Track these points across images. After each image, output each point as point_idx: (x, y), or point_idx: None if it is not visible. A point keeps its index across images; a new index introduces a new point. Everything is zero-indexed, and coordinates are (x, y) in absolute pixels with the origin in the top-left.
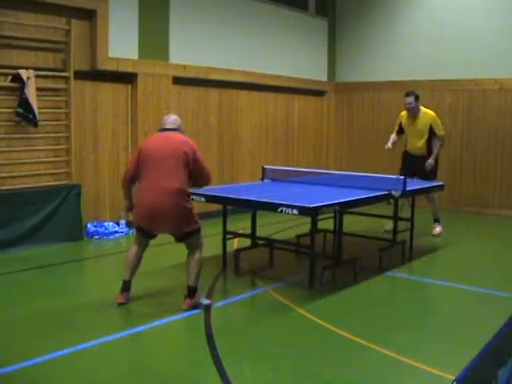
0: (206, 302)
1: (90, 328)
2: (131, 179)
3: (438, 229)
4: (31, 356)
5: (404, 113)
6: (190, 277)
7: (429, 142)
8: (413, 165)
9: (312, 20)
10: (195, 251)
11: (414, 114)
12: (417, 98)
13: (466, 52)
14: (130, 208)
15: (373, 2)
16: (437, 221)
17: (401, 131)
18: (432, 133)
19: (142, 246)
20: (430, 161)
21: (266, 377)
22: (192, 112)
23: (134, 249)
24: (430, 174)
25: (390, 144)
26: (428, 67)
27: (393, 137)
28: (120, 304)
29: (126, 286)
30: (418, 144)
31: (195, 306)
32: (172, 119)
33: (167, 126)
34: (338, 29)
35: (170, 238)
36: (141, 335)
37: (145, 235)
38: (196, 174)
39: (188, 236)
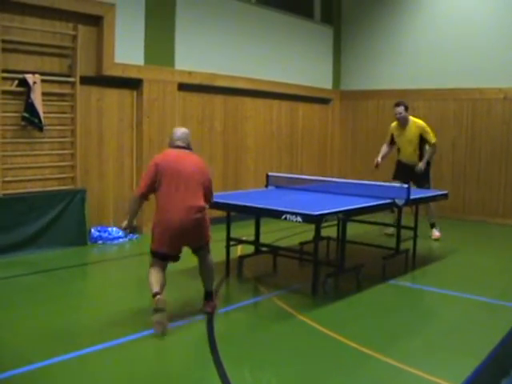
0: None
1: (93, 333)
2: (144, 196)
3: (437, 233)
4: (35, 360)
5: (394, 124)
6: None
7: (420, 151)
8: (405, 172)
9: (317, 28)
10: (207, 258)
11: (403, 123)
12: (406, 108)
13: (471, 61)
14: (130, 227)
15: (378, 10)
16: (433, 226)
17: (392, 142)
18: (423, 142)
19: (163, 269)
20: (421, 165)
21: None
22: (197, 118)
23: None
24: (423, 181)
25: (379, 158)
26: (432, 76)
27: (384, 150)
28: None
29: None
30: (409, 153)
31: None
32: (183, 134)
33: (180, 144)
34: (343, 37)
35: None
36: (144, 341)
37: (165, 259)
38: (207, 193)
39: (204, 246)
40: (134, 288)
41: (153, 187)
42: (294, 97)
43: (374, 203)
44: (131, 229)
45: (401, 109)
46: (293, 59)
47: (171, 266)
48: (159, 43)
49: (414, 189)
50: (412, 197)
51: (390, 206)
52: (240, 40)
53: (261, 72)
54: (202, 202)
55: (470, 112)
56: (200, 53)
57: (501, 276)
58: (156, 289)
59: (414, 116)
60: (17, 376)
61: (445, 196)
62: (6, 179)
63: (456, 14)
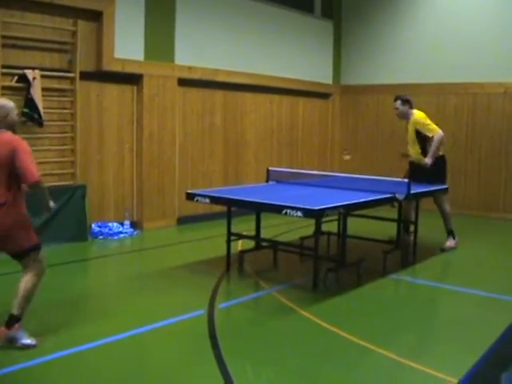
0: (26, 341)
1: (93, 328)
2: None
3: (448, 243)
4: (34, 356)
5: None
6: (14, 303)
7: (422, 147)
8: (414, 173)
9: (318, 22)
10: (29, 273)
11: (404, 119)
12: (404, 101)
13: (472, 55)
14: None
15: (378, 4)
16: (450, 233)
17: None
18: (423, 137)
19: None
20: (426, 160)
21: (269, 379)
22: (197, 114)
23: None
24: (435, 180)
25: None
26: (433, 70)
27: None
28: None
29: None
30: (413, 151)
31: (10, 339)
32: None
33: None
34: (343, 31)
35: (174, 239)
36: (144, 336)
37: None
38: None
39: (23, 255)
40: (133, 283)
41: None
42: (295, 91)
43: (375, 197)
44: None
45: (397, 103)
46: (293, 54)
47: (174, 260)
48: (159, 38)
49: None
50: (412, 191)
51: (390, 201)
52: (240, 35)
53: (261, 67)
54: (2, 198)
55: (471, 106)
56: (200, 48)
57: (501, 270)
58: None
59: (419, 109)
60: (16, 371)
61: (445, 190)
62: None
63: (457, 8)
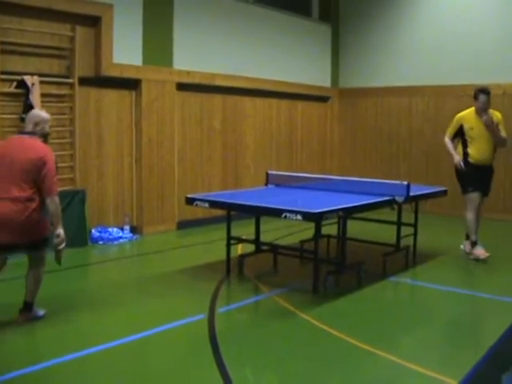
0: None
1: (94, 333)
2: None
3: (481, 250)
4: (35, 361)
5: (467, 113)
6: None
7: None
8: (480, 178)
9: (315, 26)
10: (39, 266)
11: (483, 113)
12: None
13: (470, 57)
14: None
15: (376, 7)
16: (474, 242)
17: (456, 136)
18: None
19: None
20: (457, 158)
21: (269, 382)
22: (196, 118)
23: None
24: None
25: (458, 156)
26: (432, 72)
27: (451, 145)
28: None
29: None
30: (488, 150)
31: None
32: (32, 117)
33: (26, 128)
34: (341, 34)
35: (173, 243)
36: (144, 340)
37: None
38: (40, 185)
39: (35, 246)
40: (133, 288)
41: None
42: (293, 95)
43: (374, 200)
44: None
45: (487, 97)
46: (291, 58)
47: (170, 266)
48: (157, 43)
49: (413, 185)
50: (411, 194)
51: (389, 203)
52: (238, 39)
53: (259, 71)
54: (23, 193)
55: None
56: (198, 52)
57: (501, 272)
58: None
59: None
60: (17, 377)
61: (444, 193)
62: None
63: (455, 10)
